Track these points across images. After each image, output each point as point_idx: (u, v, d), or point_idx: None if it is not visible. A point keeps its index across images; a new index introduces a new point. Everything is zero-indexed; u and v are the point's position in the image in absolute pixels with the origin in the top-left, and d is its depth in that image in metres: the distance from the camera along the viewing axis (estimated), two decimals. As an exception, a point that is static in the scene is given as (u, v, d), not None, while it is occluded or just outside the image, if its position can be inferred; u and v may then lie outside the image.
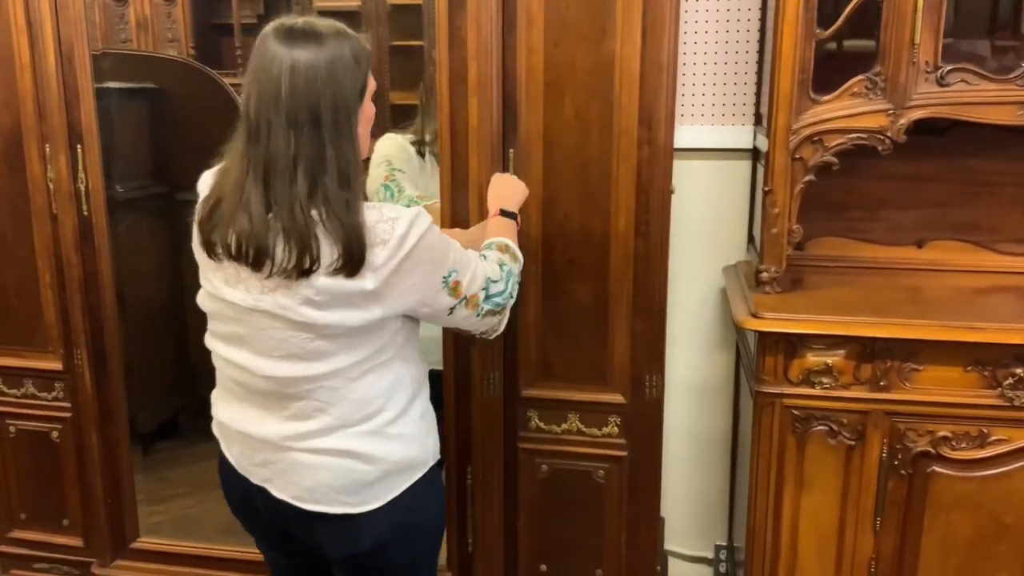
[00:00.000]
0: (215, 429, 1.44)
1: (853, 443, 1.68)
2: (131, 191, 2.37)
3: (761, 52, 2.00)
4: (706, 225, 2.12)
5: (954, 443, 1.66)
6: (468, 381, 1.87)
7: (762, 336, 1.68)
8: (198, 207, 1.30)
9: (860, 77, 1.67)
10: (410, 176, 1.99)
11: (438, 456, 1.43)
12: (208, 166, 1.35)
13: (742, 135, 2.06)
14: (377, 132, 2.02)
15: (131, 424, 2.18)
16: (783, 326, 1.66)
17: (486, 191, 1.73)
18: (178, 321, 2.45)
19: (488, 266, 1.39)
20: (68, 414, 2.13)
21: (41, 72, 1.91)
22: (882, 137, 1.68)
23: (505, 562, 1.97)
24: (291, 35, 1.19)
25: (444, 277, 1.30)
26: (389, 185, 1.88)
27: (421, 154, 1.99)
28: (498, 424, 1.89)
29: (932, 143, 1.84)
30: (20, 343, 2.11)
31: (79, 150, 1.95)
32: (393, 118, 2.27)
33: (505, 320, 1.44)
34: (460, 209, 1.78)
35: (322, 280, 1.20)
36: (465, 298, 1.33)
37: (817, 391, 1.67)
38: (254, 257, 1.20)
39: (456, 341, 1.85)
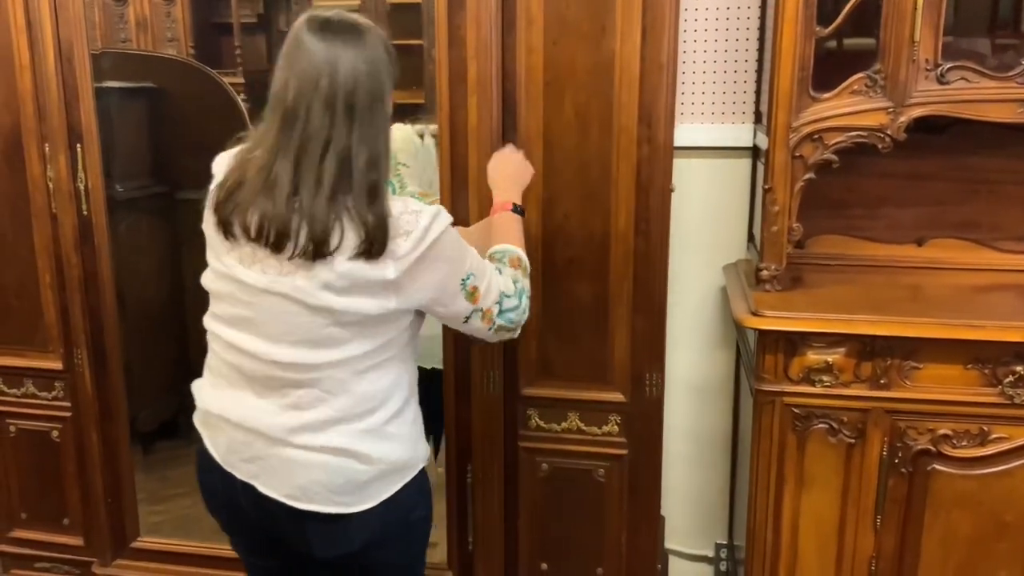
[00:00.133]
0: (198, 421, 1.40)
1: (853, 441, 1.68)
2: (131, 191, 2.37)
3: (761, 50, 2.00)
4: (706, 223, 2.11)
5: (954, 441, 1.66)
6: (468, 380, 1.87)
7: (762, 334, 1.67)
8: (213, 187, 1.30)
9: (860, 75, 1.67)
10: (415, 170, 2.00)
11: (427, 459, 1.43)
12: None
13: (742, 133, 2.06)
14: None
15: (131, 424, 2.18)
16: (783, 324, 1.65)
17: (486, 191, 1.73)
18: (178, 320, 2.45)
19: (503, 280, 1.39)
20: (68, 414, 2.13)
21: (41, 72, 1.91)
22: (882, 135, 1.68)
23: (505, 561, 1.97)
24: (330, 28, 1.23)
25: (463, 280, 1.31)
26: (391, 180, 1.89)
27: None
28: (498, 423, 1.89)
29: (932, 141, 1.84)
30: (20, 343, 2.11)
31: (79, 150, 1.95)
32: (392, 117, 2.26)
33: (517, 334, 1.45)
34: (460, 208, 1.77)
35: (344, 265, 1.20)
36: (481, 310, 1.35)
37: (817, 389, 1.67)
38: (275, 238, 1.20)
39: (456, 340, 1.85)
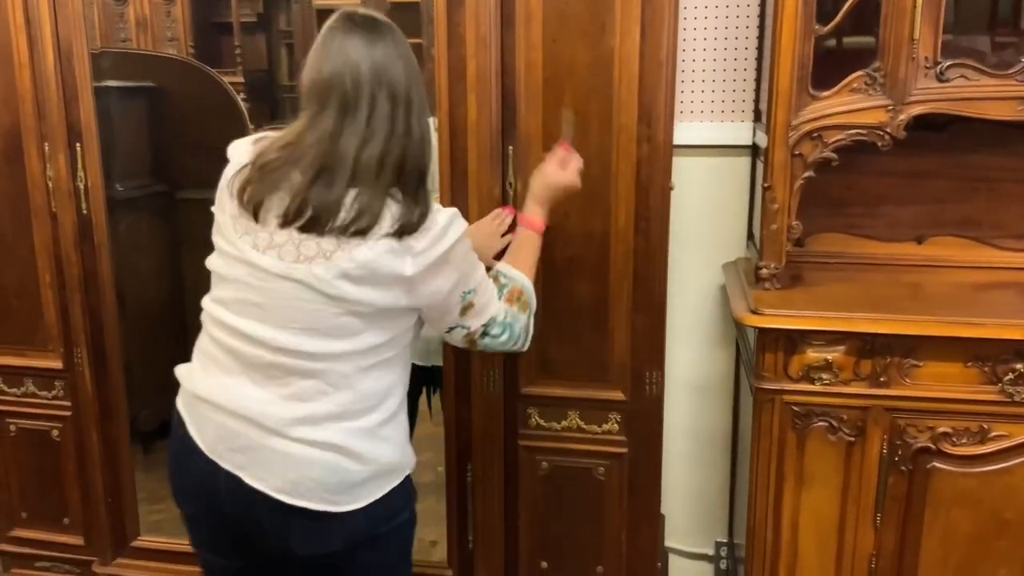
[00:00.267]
0: (183, 405, 1.36)
1: (853, 439, 1.68)
2: (131, 190, 2.37)
3: (760, 48, 2.00)
4: (706, 222, 2.11)
5: (954, 439, 1.65)
6: (468, 378, 1.87)
7: (762, 332, 1.67)
8: (234, 171, 1.30)
9: (859, 73, 1.67)
10: None
11: (414, 465, 1.43)
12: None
13: (741, 131, 2.05)
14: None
15: (132, 423, 2.18)
16: (783, 322, 1.65)
17: (486, 189, 1.73)
18: (178, 320, 2.44)
19: (497, 307, 1.41)
20: (68, 413, 2.13)
21: (40, 71, 1.91)
22: (881, 133, 1.68)
23: (506, 559, 1.97)
24: (372, 23, 1.28)
25: (465, 292, 1.33)
26: None
27: None
28: (498, 421, 1.89)
29: (932, 139, 1.84)
30: (20, 342, 2.11)
31: (78, 149, 1.95)
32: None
33: (515, 353, 1.48)
34: (460, 206, 1.76)
35: (365, 254, 1.21)
36: (468, 328, 1.38)
37: (817, 387, 1.67)
38: (311, 217, 1.22)
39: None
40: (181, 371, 1.39)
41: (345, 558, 1.34)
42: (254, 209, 1.25)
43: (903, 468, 1.68)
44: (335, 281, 1.22)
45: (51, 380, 2.12)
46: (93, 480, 2.14)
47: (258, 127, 2.17)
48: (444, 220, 1.28)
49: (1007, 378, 1.61)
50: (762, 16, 1.98)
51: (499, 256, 1.59)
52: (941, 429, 1.65)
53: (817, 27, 1.65)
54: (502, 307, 1.41)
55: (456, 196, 1.78)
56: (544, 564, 1.97)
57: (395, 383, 1.35)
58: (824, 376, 1.66)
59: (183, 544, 2.17)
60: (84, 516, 2.19)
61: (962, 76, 1.65)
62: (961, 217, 1.94)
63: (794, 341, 1.66)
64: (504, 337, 1.42)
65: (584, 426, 1.88)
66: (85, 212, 1.99)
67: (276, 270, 1.24)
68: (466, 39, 1.69)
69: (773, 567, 1.77)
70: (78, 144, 1.95)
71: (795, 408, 1.69)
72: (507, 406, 1.88)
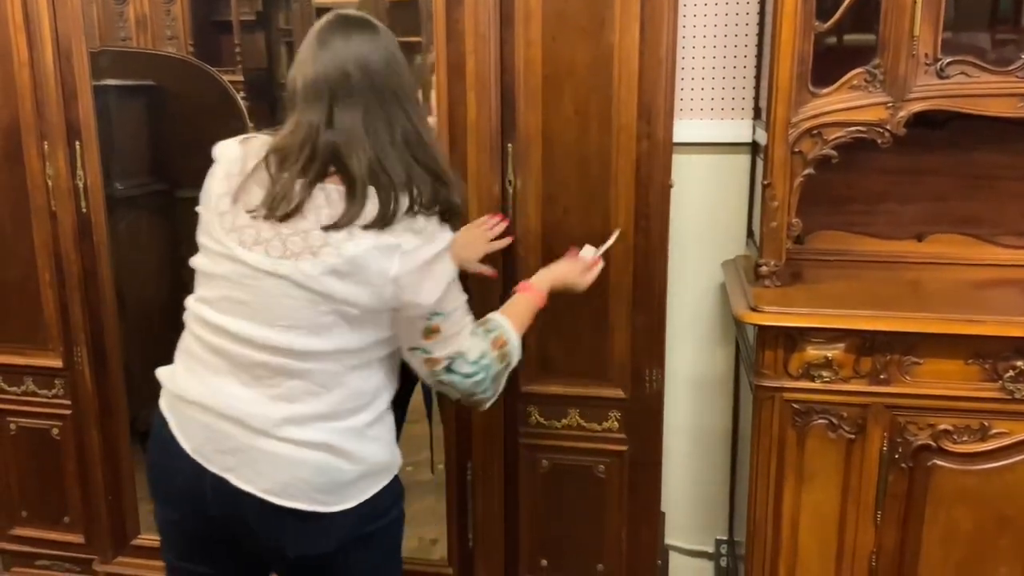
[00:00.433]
0: (166, 407, 1.34)
1: (853, 437, 1.68)
2: (130, 188, 2.37)
3: (760, 45, 2.00)
4: (705, 219, 2.11)
5: (955, 436, 1.65)
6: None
7: (761, 330, 1.67)
8: (226, 170, 1.30)
9: (859, 70, 1.67)
10: None
11: (401, 465, 1.42)
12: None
13: (741, 129, 2.05)
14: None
15: (132, 422, 2.18)
16: (782, 320, 1.65)
17: (485, 187, 1.73)
18: (178, 319, 2.44)
19: (470, 343, 1.34)
20: (68, 411, 2.13)
21: (39, 69, 1.91)
22: (881, 130, 1.68)
23: (506, 557, 1.97)
24: (361, 22, 1.30)
25: (434, 313, 1.28)
26: None
27: None
28: (498, 420, 1.89)
29: (932, 136, 1.84)
30: (20, 340, 2.11)
31: (77, 147, 1.95)
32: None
33: (480, 405, 1.41)
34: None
35: (352, 251, 1.21)
36: (430, 354, 1.31)
37: (817, 385, 1.67)
38: (294, 209, 1.22)
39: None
40: (163, 373, 1.37)
41: (335, 558, 1.33)
42: (244, 207, 1.26)
43: (903, 465, 1.68)
44: (322, 277, 1.22)
45: (51, 379, 2.12)
46: (93, 478, 2.15)
47: (257, 125, 2.17)
48: (435, 226, 1.28)
49: (1007, 375, 1.61)
50: (762, 13, 1.98)
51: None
52: (941, 426, 1.65)
53: (817, 24, 1.65)
54: (478, 347, 1.35)
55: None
56: (544, 562, 1.97)
57: (383, 383, 1.35)
58: (824, 373, 1.66)
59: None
60: (84, 514, 2.19)
61: (962, 73, 1.64)
62: (961, 214, 1.93)
63: (794, 339, 1.66)
64: (475, 379, 1.33)
65: (584, 424, 1.88)
66: (85, 211, 1.99)
67: (263, 266, 1.23)
68: (465, 36, 1.68)
69: (773, 565, 1.77)
70: (77, 143, 1.95)
71: (795, 406, 1.69)
72: (507, 404, 1.88)
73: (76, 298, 2.03)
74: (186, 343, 1.35)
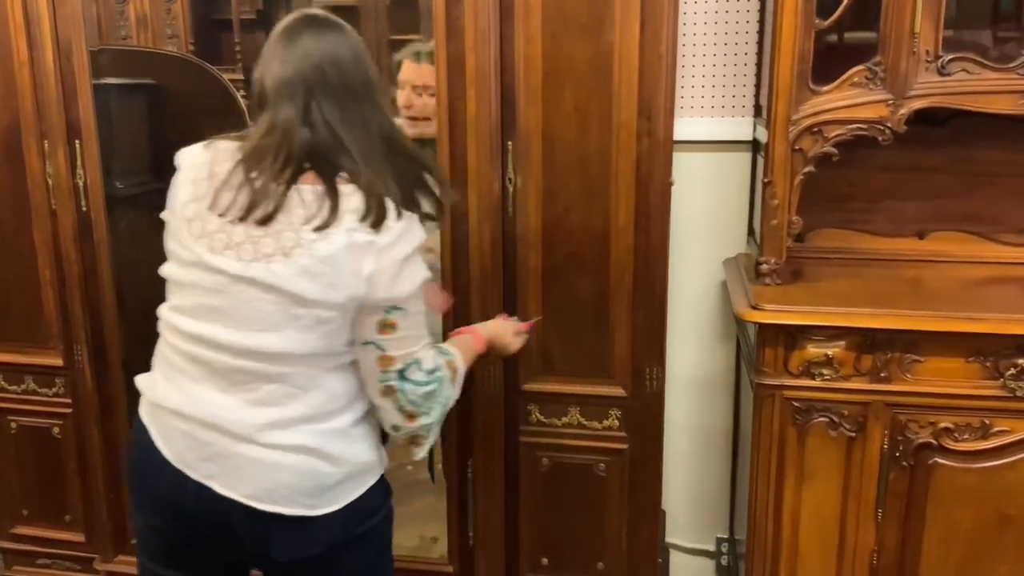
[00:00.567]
0: (146, 415, 1.33)
1: (854, 435, 1.68)
2: (131, 187, 2.36)
3: (761, 43, 1.99)
4: (706, 217, 2.11)
5: (956, 434, 1.65)
6: (469, 374, 1.86)
7: (762, 328, 1.67)
8: (194, 176, 1.28)
9: (860, 67, 1.66)
10: None
11: (387, 464, 1.41)
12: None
13: (742, 127, 2.05)
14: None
15: (132, 421, 2.17)
16: (783, 318, 1.65)
17: (485, 184, 1.73)
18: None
19: (427, 354, 1.32)
20: (69, 410, 2.13)
21: (39, 68, 1.91)
22: (882, 127, 1.67)
23: (506, 555, 1.97)
24: (328, 22, 1.29)
25: (392, 307, 1.25)
26: None
27: None
28: (499, 418, 1.89)
29: (933, 133, 1.84)
30: (21, 339, 2.11)
31: (77, 146, 1.95)
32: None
33: (421, 441, 1.36)
34: (459, 203, 1.77)
35: (325, 249, 1.20)
36: (383, 352, 1.27)
37: (817, 383, 1.67)
38: (269, 212, 1.21)
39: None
40: (142, 381, 1.36)
41: (324, 561, 1.32)
42: (215, 212, 1.24)
43: (904, 464, 1.67)
44: (294, 278, 1.20)
45: (51, 377, 2.12)
46: (94, 477, 2.14)
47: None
48: (408, 222, 1.25)
49: (1009, 373, 1.61)
50: (762, 10, 1.98)
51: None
52: (942, 425, 1.65)
53: (817, 21, 1.65)
54: (434, 359, 1.33)
55: (456, 191, 1.77)
56: (545, 560, 1.97)
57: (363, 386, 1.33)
58: (825, 371, 1.66)
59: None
60: (85, 513, 2.19)
61: (963, 70, 1.64)
62: (963, 212, 1.93)
63: (794, 337, 1.66)
64: (427, 389, 1.30)
65: (585, 422, 1.88)
66: (85, 209, 1.99)
67: (235, 271, 1.22)
68: (465, 33, 1.68)
69: (774, 563, 1.77)
70: (77, 141, 1.95)
71: (796, 404, 1.69)
72: (508, 402, 1.88)
73: (76, 297, 2.03)
74: (162, 352, 1.33)
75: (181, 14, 2.80)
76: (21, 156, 1.97)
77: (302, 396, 1.26)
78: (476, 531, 1.96)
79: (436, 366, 1.33)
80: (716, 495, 2.28)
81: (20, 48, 1.90)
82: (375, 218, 1.22)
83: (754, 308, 1.67)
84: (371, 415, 1.36)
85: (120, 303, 2.09)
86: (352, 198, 1.22)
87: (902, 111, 1.66)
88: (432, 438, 1.38)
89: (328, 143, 1.24)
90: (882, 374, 1.65)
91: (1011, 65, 1.63)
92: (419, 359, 1.30)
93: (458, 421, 1.91)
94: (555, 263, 1.79)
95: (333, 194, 1.22)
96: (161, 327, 1.33)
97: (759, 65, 2.01)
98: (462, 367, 1.41)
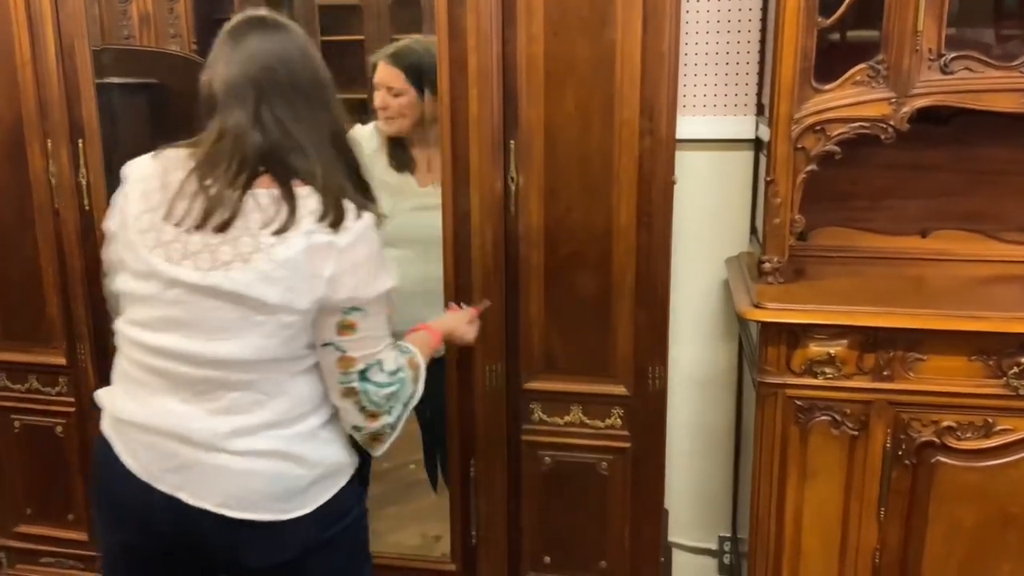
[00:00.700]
0: (110, 429, 1.31)
1: (856, 433, 1.68)
2: (133, 186, 2.37)
3: (763, 41, 1.99)
4: (708, 216, 2.11)
5: (959, 433, 1.65)
6: (471, 374, 1.87)
7: (764, 327, 1.67)
8: (144, 187, 1.26)
9: (862, 65, 1.66)
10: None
11: (356, 464, 1.38)
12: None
13: (744, 125, 2.05)
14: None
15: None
16: (785, 316, 1.65)
17: (488, 183, 1.73)
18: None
19: (388, 355, 1.30)
20: (72, 409, 2.13)
21: (42, 68, 1.91)
22: (885, 126, 1.67)
23: (509, 554, 1.97)
24: (274, 23, 1.27)
25: (351, 308, 1.23)
26: None
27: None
28: (501, 416, 1.89)
29: (936, 132, 1.83)
30: (24, 338, 2.11)
31: (80, 145, 1.95)
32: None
33: (381, 439, 1.33)
34: (461, 201, 1.77)
35: (285, 253, 1.18)
36: (343, 353, 1.25)
37: (820, 381, 1.66)
38: (226, 219, 1.19)
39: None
40: (103, 396, 1.34)
41: (298, 566, 1.30)
42: (171, 222, 1.22)
43: (907, 462, 1.67)
44: (255, 284, 1.18)
45: (55, 376, 2.12)
46: (97, 476, 2.15)
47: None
48: (367, 222, 1.23)
49: (1012, 372, 1.60)
50: (764, 8, 1.97)
51: None
52: (945, 423, 1.65)
53: (820, 19, 1.64)
54: (396, 359, 1.32)
55: (458, 191, 1.77)
56: (547, 559, 1.97)
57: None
58: (827, 370, 1.66)
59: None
60: (88, 512, 2.18)
61: (966, 68, 1.64)
62: (966, 210, 1.93)
63: (797, 335, 1.66)
64: (389, 390, 1.29)
65: (587, 421, 1.88)
66: (87, 208, 1.99)
67: (193, 280, 1.20)
68: (467, 33, 1.68)
69: (776, 562, 1.77)
70: (80, 141, 1.95)
71: (798, 402, 1.68)
72: (510, 401, 1.88)
73: (79, 296, 2.04)
74: (122, 366, 1.31)
75: (184, 13, 2.80)
76: (24, 155, 1.98)
77: (268, 402, 1.25)
78: (478, 530, 1.96)
79: (398, 367, 1.32)
80: (718, 494, 2.28)
81: (23, 47, 1.91)
82: (333, 218, 1.20)
83: (756, 307, 1.67)
84: (339, 419, 1.34)
85: (123, 302, 2.09)
86: (309, 200, 1.21)
87: (905, 109, 1.66)
88: (394, 435, 1.36)
89: (281, 145, 1.22)
90: (885, 373, 1.64)
91: (1014, 63, 1.62)
92: (381, 360, 1.29)
93: (460, 420, 1.91)
94: (557, 262, 1.79)
95: (290, 197, 1.20)
96: (119, 341, 1.31)
97: (761, 63, 2.01)
98: (422, 363, 1.40)
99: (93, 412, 2.08)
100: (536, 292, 1.81)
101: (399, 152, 2.07)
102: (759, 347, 1.70)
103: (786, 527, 1.74)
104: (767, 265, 1.75)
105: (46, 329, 2.09)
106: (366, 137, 2.10)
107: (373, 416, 1.30)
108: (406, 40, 2.10)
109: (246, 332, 1.21)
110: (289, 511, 1.27)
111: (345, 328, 1.24)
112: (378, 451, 1.36)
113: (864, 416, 1.67)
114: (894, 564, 1.73)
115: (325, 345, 1.26)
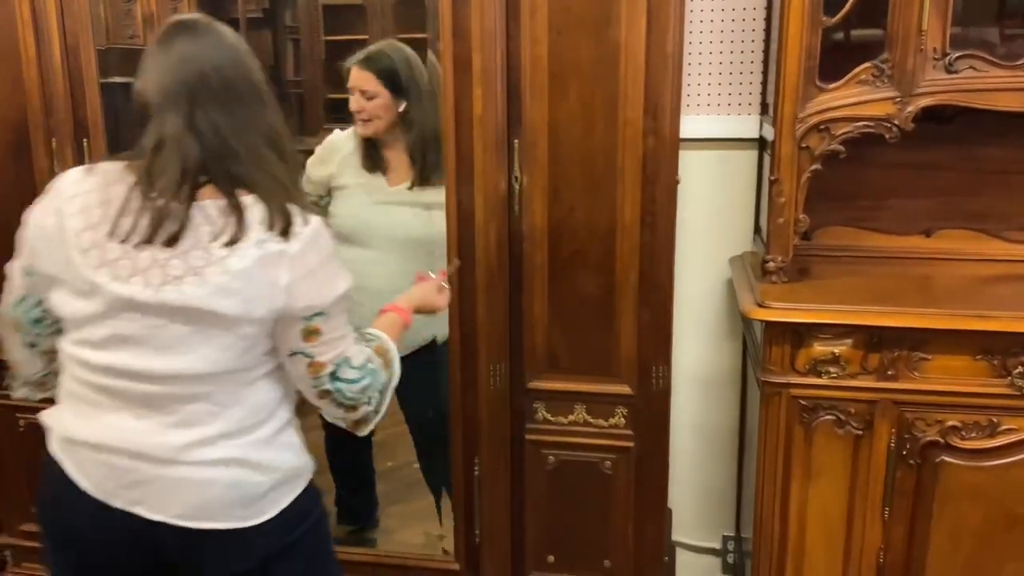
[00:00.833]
0: (59, 450, 1.27)
1: (861, 433, 1.68)
2: (137, 186, 2.37)
3: (767, 40, 1.99)
4: (712, 216, 2.11)
5: (963, 433, 1.65)
6: (474, 373, 1.87)
7: (768, 326, 1.67)
8: (82, 204, 1.21)
9: (867, 64, 1.66)
10: (327, 177, 2.13)
11: (314, 469, 1.37)
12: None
13: (748, 125, 2.05)
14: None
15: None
16: (789, 316, 1.65)
17: (492, 183, 1.74)
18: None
19: (355, 350, 1.29)
20: (77, 408, 2.14)
21: (47, 67, 1.92)
22: (889, 125, 1.67)
23: (512, 553, 1.97)
24: (205, 26, 1.25)
25: (314, 314, 1.22)
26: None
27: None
28: (505, 416, 1.89)
29: (940, 131, 1.83)
30: (28, 337, 2.11)
31: (85, 144, 1.96)
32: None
33: (365, 423, 1.34)
34: (465, 202, 1.77)
35: (239, 264, 1.16)
36: (313, 359, 1.24)
37: (824, 381, 1.66)
38: (175, 233, 1.16)
39: (461, 331, 1.85)
40: (49, 417, 1.30)
41: (263, 573, 1.29)
42: (116, 239, 1.18)
43: (911, 462, 1.67)
44: (211, 297, 1.16)
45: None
46: (101, 475, 2.15)
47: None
48: (316, 226, 1.21)
49: (1016, 371, 1.60)
50: (769, 8, 1.97)
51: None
52: (950, 423, 1.64)
53: (824, 18, 1.64)
54: (363, 352, 1.30)
55: (461, 191, 1.77)
56: (551, 558, 1.97)
57: (284, 392, 1.31)
58: (831, 369, 1.66)
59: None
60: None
61: (971, 67, 1.63)
62: (970, 210, 1.92)
63: (801, 335, 1.66)
64: (362, 384, 1.28)
65: (591, 420, 1.88)
66: (92, 207, 1.99)
67: (143, 297, 1.16)
68: (471, 33, 1.68)
69: (780, 561, 1.77)
70: (85, 140, 1.96)
71: (802, 402, 1.68)
72: (513, 400, 1.88)
73: (84, 295, 2.04)
74: (69, 386, 1.27)
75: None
76: (29, 154, 1.98)
77: (223, 413, 1.23)
78: (482, 528, 1.96)
79: (367, 359, 1.31)
80: (722, 493, 2.28)
81: (28, 46, 1.91)
82: (282, 226, 1.18)
83: (760, 306, 1.67)
84: (294, 422, 1.34)
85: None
86: (255, 209, 1.19)
87: (909, 108, 1.65)
88: (379, 418, 1.36)
89: (219, 151, 1.19)
90: (889, 372, 1.64)
91: (1019, 62, 1.62)
92: (348, 357, 1.28)
93: (464, 419, 1.91)
94: (561, 261, 1.79)
95: (236, 207, 1.18)
96: (64, 361, 1.28)
97: (766, 63, 2.01)
98: (392, 346, 1.39)
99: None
100: (540, 291, 1.81)
101: (372, 153, 2.10)
102: (763, 346, 1.70)
103: (790, 527, 1.74)
104: (771, 264, 1.75)
105: (51, 328, 2.09)
106: (345, 139, 2.14)
107: (353, 408, 1.31)
108: (379, 44, 2.12)
109: (199, 346, 1.19)
110: (249, 518, 1.25)
111: (311, 334, 1.23)
112: (364, 432, 1.37)
113: (868, 416, 1.67)
114: (898, 564, 1.73)
115: (293, 355, 1.25)
